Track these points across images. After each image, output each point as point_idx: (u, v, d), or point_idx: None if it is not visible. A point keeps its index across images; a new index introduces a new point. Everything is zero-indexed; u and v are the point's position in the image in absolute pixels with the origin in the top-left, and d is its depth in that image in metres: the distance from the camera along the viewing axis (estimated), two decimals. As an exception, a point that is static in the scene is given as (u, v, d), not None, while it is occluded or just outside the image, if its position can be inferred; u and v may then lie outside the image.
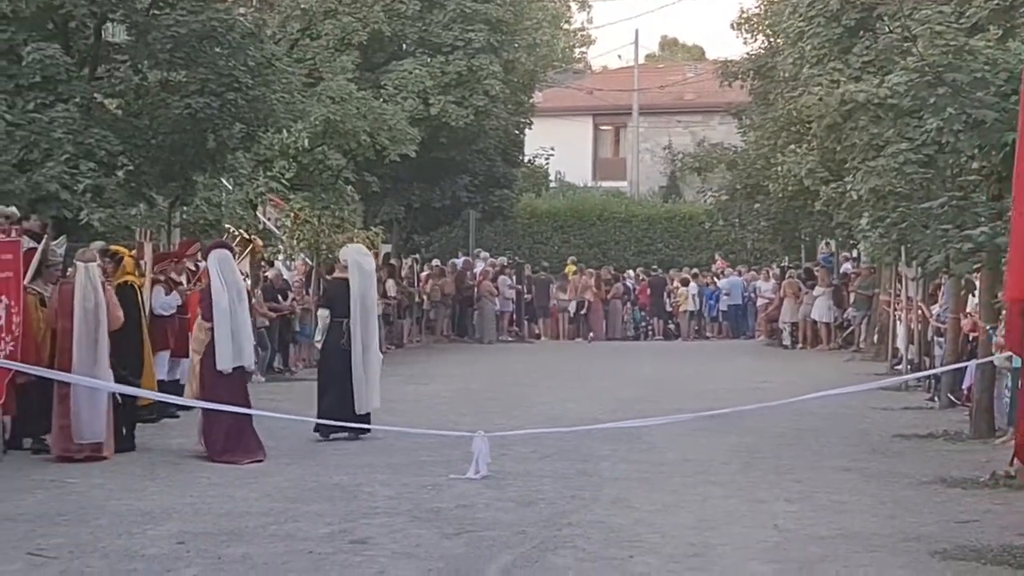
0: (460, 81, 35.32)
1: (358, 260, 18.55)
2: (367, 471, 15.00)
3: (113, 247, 17.07)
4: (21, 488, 13.68)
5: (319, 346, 18.82)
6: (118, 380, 15.78)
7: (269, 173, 29.07)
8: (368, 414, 17.82)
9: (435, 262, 42.59)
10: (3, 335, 15.24)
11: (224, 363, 16.05)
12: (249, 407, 16.15)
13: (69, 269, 16.62)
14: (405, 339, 37.04)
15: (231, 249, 17.44)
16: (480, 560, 10.70)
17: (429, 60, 35.21)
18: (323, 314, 18.40)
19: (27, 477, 14.37)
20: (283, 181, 29.30)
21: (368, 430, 17.46)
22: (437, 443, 16.35)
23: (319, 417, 17.70)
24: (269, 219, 32.03)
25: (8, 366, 15.25)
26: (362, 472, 14.93)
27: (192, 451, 16.16)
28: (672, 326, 45.28)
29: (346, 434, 17.46)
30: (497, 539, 11.50)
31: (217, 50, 20.80)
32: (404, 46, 36.40)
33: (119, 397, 15.99)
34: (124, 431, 16.39)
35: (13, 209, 17.10)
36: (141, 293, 17.38)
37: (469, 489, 13.90)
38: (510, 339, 41.22)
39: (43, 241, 17.09)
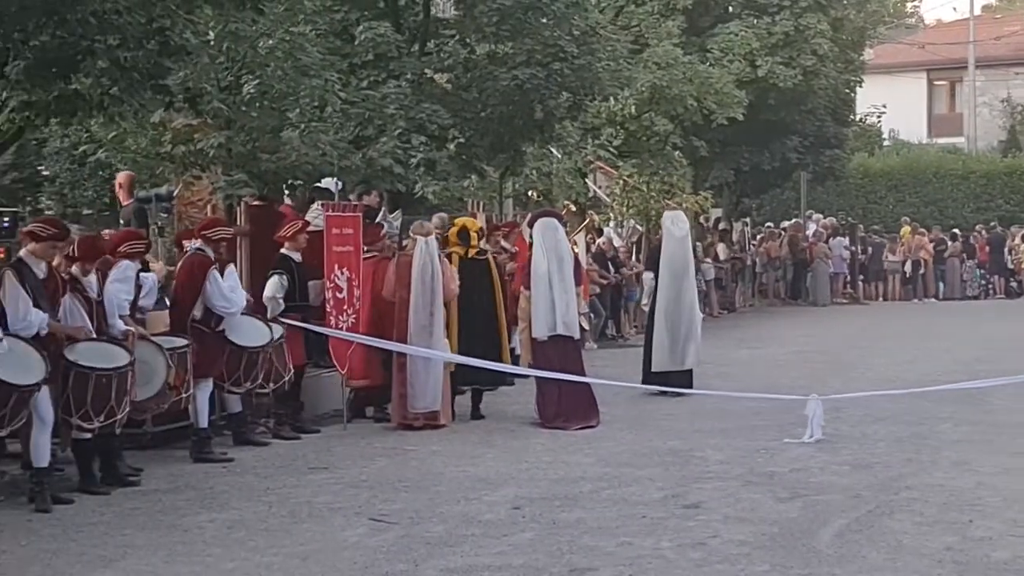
0: (787, 41, 34.80)
1: (668, 226, 18.82)
2: (699, 436, 15.00)
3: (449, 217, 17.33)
4: (364, 455, 14.12)
5: (645, 309, 19.19)
6: None
7: (597, 141, 29.23)
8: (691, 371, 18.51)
9: (768, 225, 42.28)
10: (345, 307, 15.75)
11: (539, 331, 16.15)
12: (583, 374, 16.30)
13: (405, 241, 17.04)
14: (738, 303, 36.86)
15: (559, 218, 17.51)
16: (814, 524, 10.60)
17: (755, 21, 34.78)
18: (648, 277, 18.69)
19: (370, 445, 14.81)
20: (611, 149, 29.41)
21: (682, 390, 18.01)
22: (770, 407, 16.27)
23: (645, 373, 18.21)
24: (599, 187, 32.23)
25: (351, 338, 15.74)
26: (694, 437, 14.94)
27: (527, 418, 16.41)
28: (1014, 284, 43.96)
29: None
30: (832, 503, 11.38)
31: (543, 20, 20.97)
32: (730, 8, 36.04)
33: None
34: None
35: (329, 183, 17.53)
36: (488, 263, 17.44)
37: (802, 453, 13.79)
38: (844, 301, 40.65)
39: (380, 214, 17.58)
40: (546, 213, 17.57)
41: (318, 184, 18.09)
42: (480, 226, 17.09)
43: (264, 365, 14.36)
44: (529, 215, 20.78)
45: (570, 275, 16.32)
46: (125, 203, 17.04)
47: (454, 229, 16.67)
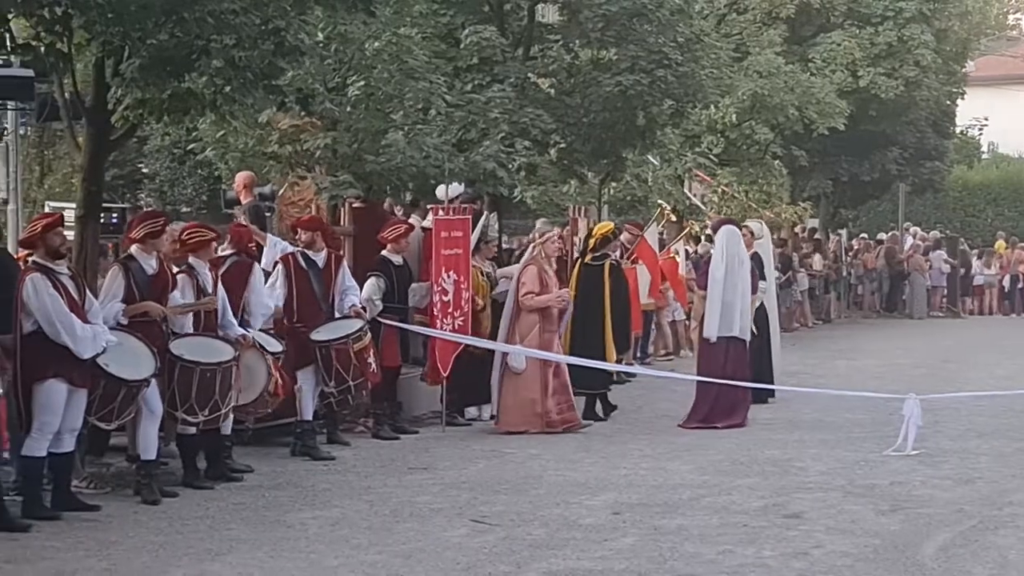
0: (890, 52, 34.53)
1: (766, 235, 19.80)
2: (798, 446, 14.97)
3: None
4: (463, 457, 14.21)
5: None
6: None
7: (697, 149, 29.17)
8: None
9: (863, 236, 42.02)
10: (452, 310, 15.79)
11: (709, 331, 16.61)
12: (746, 375, 16.54)
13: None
14: (832, 314, 36.69)
15: (739, 226, 17.93)
16: (917, 537, 10.55)
17: (858, 31, 34.55)
18: (764, 285, 18.74)
19: (468, 447, 14.90)
20: (711, 156, 29.36)
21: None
22: (869, 420, 16.34)
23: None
24: (695, 195, 32.18)
25: (454, 339, 15.78)
26: (793, 447, 14.91)
27: (625, 424, 16.48)
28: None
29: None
30: (934, 517, 11.32)
31: (647, 27, 20.99)
32: (832, 18, 35.79)
33: None
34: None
35: (448, 188, 17.55)
36: (612, 271, 17.38)
37: (903, 466, 13.72)
38: (940, 315, 40.28)
39: (483, 218, 17.65)
40: (727, 221, 18.26)
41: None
42: (603, 233, 17.33)
43: (343, 360, 14.00)
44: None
45: (746, 280, 16.72)
46: (244, 202, 17.28)
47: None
